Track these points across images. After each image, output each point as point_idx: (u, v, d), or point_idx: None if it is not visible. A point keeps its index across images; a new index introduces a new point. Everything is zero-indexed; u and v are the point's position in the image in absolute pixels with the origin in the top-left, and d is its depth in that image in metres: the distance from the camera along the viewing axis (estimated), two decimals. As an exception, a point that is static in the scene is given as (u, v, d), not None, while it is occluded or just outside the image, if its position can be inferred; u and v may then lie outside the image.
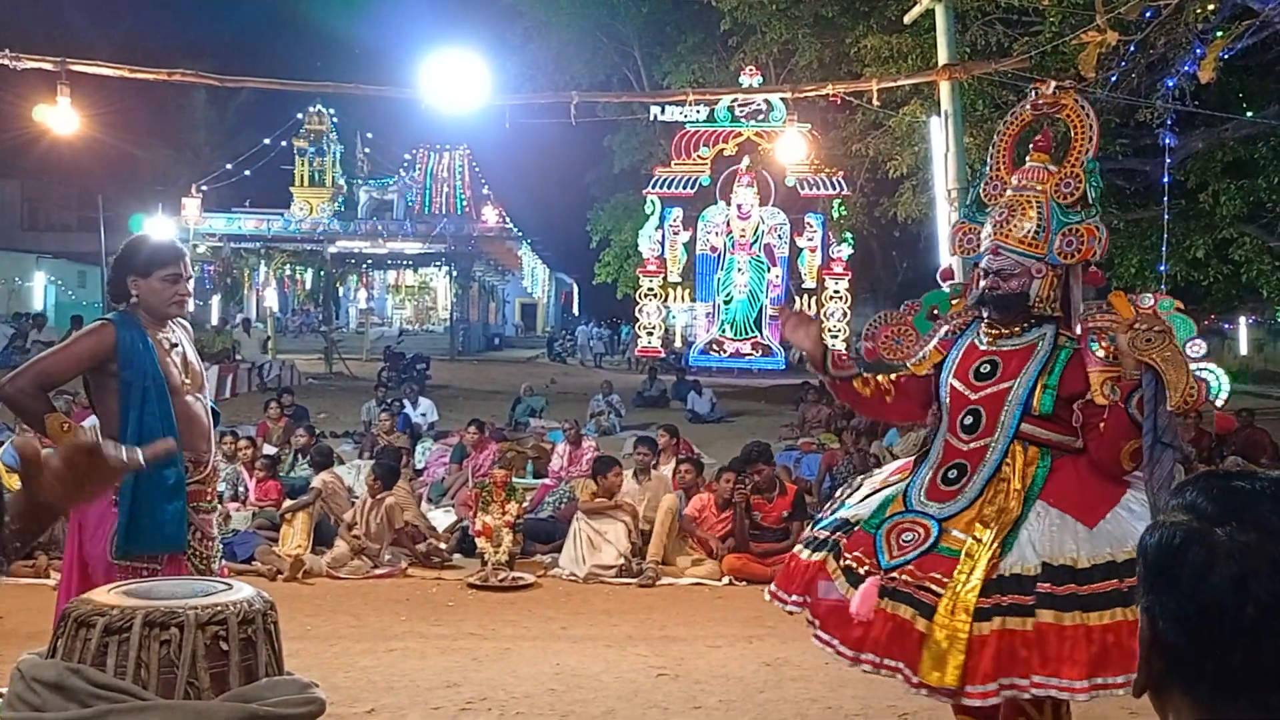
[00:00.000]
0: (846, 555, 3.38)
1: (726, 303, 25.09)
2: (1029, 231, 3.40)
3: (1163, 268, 13.49)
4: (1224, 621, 1.00)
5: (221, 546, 4.23)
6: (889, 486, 3.60)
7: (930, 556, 3.23)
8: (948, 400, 3.51)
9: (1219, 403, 3.32)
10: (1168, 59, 11.10)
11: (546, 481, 10.34)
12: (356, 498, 8.63)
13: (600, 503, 8.22)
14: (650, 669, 5.57)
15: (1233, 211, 15.28)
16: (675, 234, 25.04)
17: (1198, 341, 3.20)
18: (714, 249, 25.08)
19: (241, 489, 9.35)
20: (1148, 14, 10.08)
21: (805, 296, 24.78)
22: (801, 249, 24.69)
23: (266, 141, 30.44)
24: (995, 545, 3.16)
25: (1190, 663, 1.03)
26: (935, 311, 3.78)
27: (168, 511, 3.66)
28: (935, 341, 3.67)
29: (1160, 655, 1.05)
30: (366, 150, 35.60)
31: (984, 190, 3.70)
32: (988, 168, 3.71)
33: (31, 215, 35.62)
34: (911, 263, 24.66)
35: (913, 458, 3.79)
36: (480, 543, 7.72)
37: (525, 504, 8.31)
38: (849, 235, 23.67)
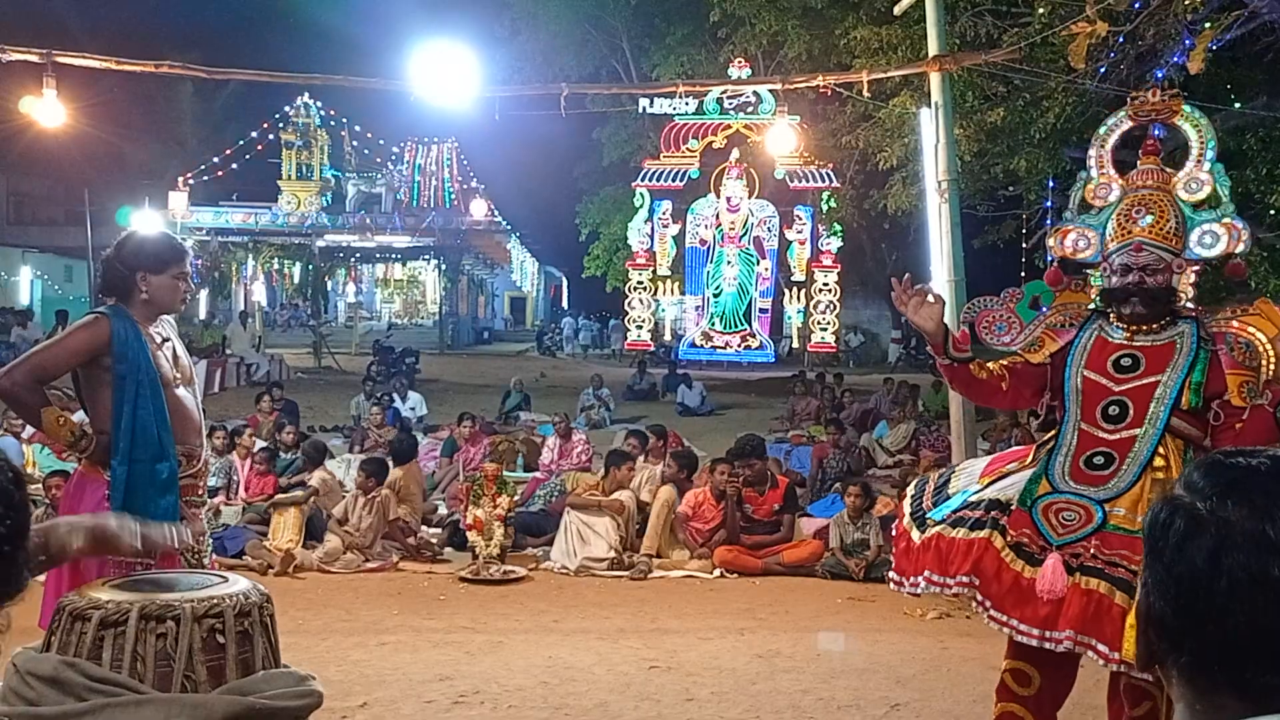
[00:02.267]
0: (1013, 532, 3.38)
1: (716, 296, 25.08)
2: (1171, 228, 3.51)
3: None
4: (1200, 595, 1.01)
5: (211, 541, 4.22)
6: (1009, 473, 3.61)
7: (1106, 534, 3.26)
8: (1079, 391, 3.54)
9: None
10: (1157, 50, 11.09)
11: (537, 475, 10.33)
12: (348, 492, 8.61)
13: (590, 497, 8.23)
14: (643, 661, 5.58)
15: (1221, 203, 15.30)
16: (664, 227, 24.99)
17: None
18: (703, 242, 25.06)
19: (235, 480, 9.32)
20: (1137, 4, 10.09)
21: (794, 289, 24.79)
22: (791, 241, 24.66)
23: (254, 135, 30.31)
24: None
25: (1175, 635, 1.04)
26: (1039, 300, 3.85)
27: (160, 505, 3.64)
28: (1042, 329, 3.71)
29: (1155, 629, 1.06)
30: (354, 144, 35.44)
31: (1089, 192, 3.78)
32: (1090, 172, 3.79)
33: (17, 209, 35.40)
34: (901, 255, 24.66)
35: (1001, 451, 3.89)
36: (471, 536, 7.71)
37: (516, 497, 8.31)
38: (838, 227, 23.65)
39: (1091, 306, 3.71)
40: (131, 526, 1.59)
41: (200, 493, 3.96)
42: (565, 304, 51.88)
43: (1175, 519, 1.05)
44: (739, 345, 25.01)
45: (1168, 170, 3.67)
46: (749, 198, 24.38)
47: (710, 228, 24.88)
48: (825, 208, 23.56)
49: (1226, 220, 3.57)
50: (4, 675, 1.81)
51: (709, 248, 25.01)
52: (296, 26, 37.10)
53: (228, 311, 31.65)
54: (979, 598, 3.40)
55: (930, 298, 3.73)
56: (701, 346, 25.06)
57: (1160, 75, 10.27)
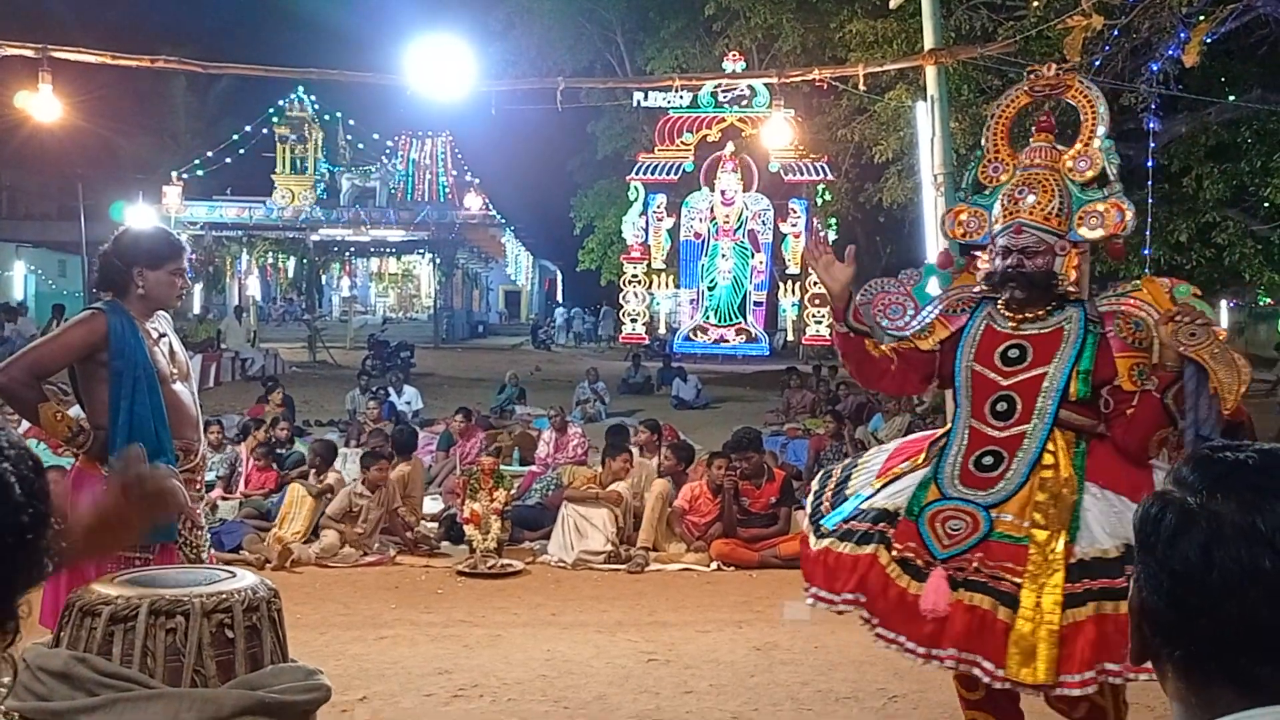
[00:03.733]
0: (898, 546, 3.28)
1: (710, 289, 25.10)
2: (1053, 209, 3.37)
3: (1146, 251, 13.55)
4: (1193, 587, 1.02)
5: (210, 536, 4.22)
6: (901, 475, 3.50)
7: (991, 544, 3.16)
8: (969, 385, 3.44)
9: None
10: (1152, 43, 11.12)
11: (533, 468, 10.33)
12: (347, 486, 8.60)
13: (587, 490, 8.23)
14: (641, 654, 5.59)
15: (1216, 195, 15.35)
16: (659, 220, 24.99)
17: (1216, 327, 3.17)
18: (698, 235, 25.07)
19: (239, 472, 9.32)
20: (1131, -1, 10.13)
21: (789, 282, 24.80)
22: (785, 234, 24.69)
23: (248, 129, 30.21)
24: (1062, 531, 3.10)
25: (1169, 629, 1.05)
26: (938, 283, 3.82)
27: (158, 501, 3.65)
28: (936, 314, 3.62)
29: (1148, 623, 1.07)
30: (348, 138, 35.32)
31: (982, 172, 3.66)
32: (984, 150, 3.68)
33: (10, 204, 35.30)
34: (896, 248, 24.66)
35: (900, 440, 3.73)
36: (469, 530, 7.71)
37: (513, 491, 8.32)
38: (834, 221, 23.66)
39: (976, 289, 3.57)
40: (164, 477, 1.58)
41: (198, 487, 3.97)
42: (560, 298, 51.87)
43: (1166, 514, 1.06)
44: (734, 338, 25.04)
45: (1059, 148, 3.54)
46: (743, 191, 24.39)
47: (705, 221, 24.90)
48: (820, 201, 23.57)
49: (1113, 200, 3.43)
50: (16, 670, 1.82)
51: (703, 241, 25.02)
52: (290, 20, 37.03)
53: (222, 306, 31.54)
54: (866, 615, 3.33)
55: (843, 259, 3.63)
56: (696, 340, 25.09)
57: (1155, 68, 10.30)
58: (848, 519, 3.49)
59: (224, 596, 1.93)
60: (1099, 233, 3.41)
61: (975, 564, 3.13)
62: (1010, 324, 3.43)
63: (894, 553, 3.29)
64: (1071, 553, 3.06)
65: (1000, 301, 3.46)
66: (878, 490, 3.49)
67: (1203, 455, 1.10)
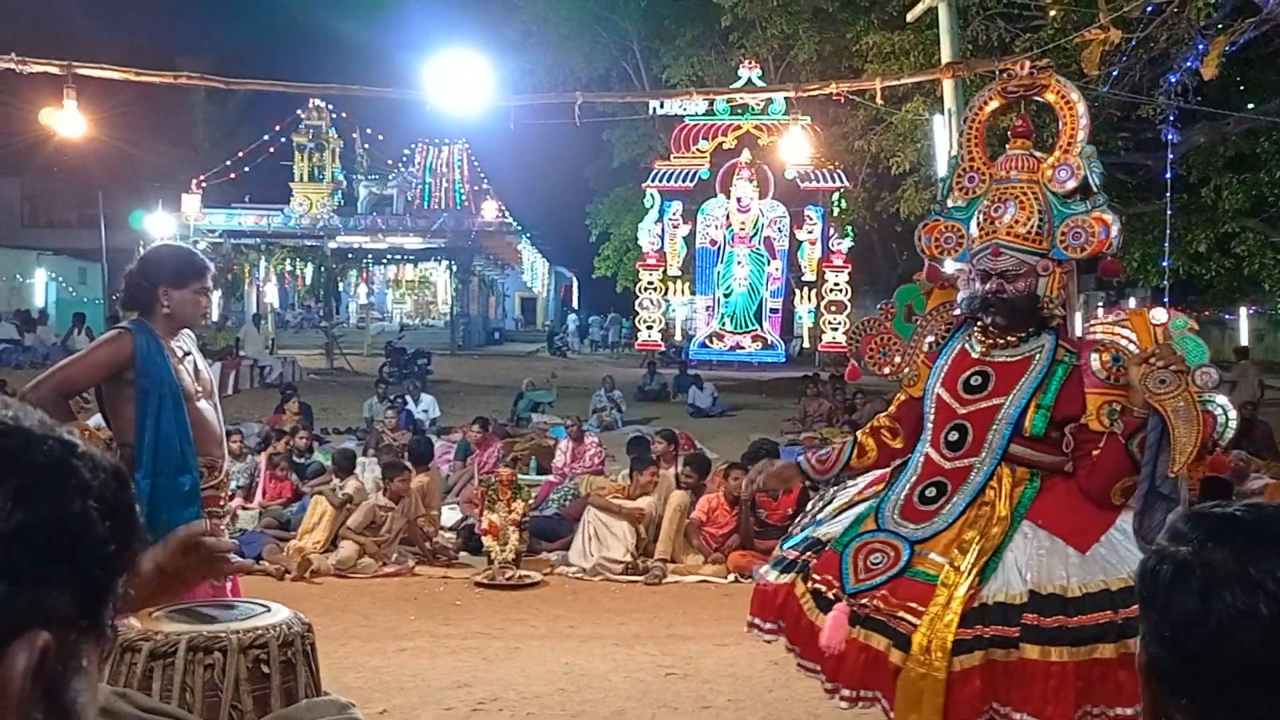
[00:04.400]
0: (815, 577, 3.16)
1: (726, 296, 25.12)
2: (1033, 227, 3.11)
3: (1165, 262, 13.51)
4: (1193, 634, 1.06)
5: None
6: (864, 500, 3.38)
7: (902, 581, 2.98)
8: (933, 411, 3.26)
9: (1224, 441, 2.98)
10: (1170, 54, 11.11)
11: (550, 478, 10.35)
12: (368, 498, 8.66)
13: (613, 500, 8.23)
14: (659, 668, 5.61)
15: (1235, 206, 15.30)
16: (675, 227, 25.05)
17: (1209, 369, 2.93)
18: (713, 242, 25.10)
19: (257, 482, 9.38)
20: (1149, 9, 10.09)
21: (805, 289, 24.79)
22: (801, 242, 24.70)
23: (266, 138, 30.44)
24: (975, 572, 2.91)
25: (1174, 680, 1.08)
26: (912, 310, 3.53)
27: (184, 518, 3.69)
28: (920, 355, 3.44)
29: (1155, 678, 1.11)
30: (366, 146, 35.55)
31: (957, 183, 3.37)
32: (959, 159, 3.40)
33: (33, 212, 35.58)
34: (911, 255, 24.58)
35: (890, 468, 3.53)
36: (487, 541, 7.74)
37: (531, 501, 8.35)
38: (850, 230, 23.65)
39: (957, 310, 3.34)
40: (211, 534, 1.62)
41: (222, 504, 4.02)
42: (575, 304, 51.97)
43: (1162, 566, 1.10)
44: (750, 345, 25.03)
45: (1037, 155, 3.25)
46: (759, 198, 24.41)
47: (720, 228, 24.93)
48: (836, 209, 23.56)
49: (1096, 213, 3.14)
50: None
51: (719, 248, 25.05)
52: (307, 32, 37.25)
53: (240, 313, 31.76)
54: (788, 644, 3.26)
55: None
56: (712, 347, 25.10)
57: (1173, 80, 10.27)
58: (790, 546, 3.44)
59: (260, 632, 1.97)
60: (1085, 249, 3.13)
61: (877, 602, 2.97)
62: (980, 349, 3.23)
63: (810, 584, 3.18)
64: (977, 596, 2.88)
65: (979, 325, 3.25)
66: (834, 517, 3.40)
67: (1196, 512, 1.14)
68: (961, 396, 3.19)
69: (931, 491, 3.16)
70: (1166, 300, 13.00)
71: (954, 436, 3.18)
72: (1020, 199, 3.15)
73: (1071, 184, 3.17)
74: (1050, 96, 3.28)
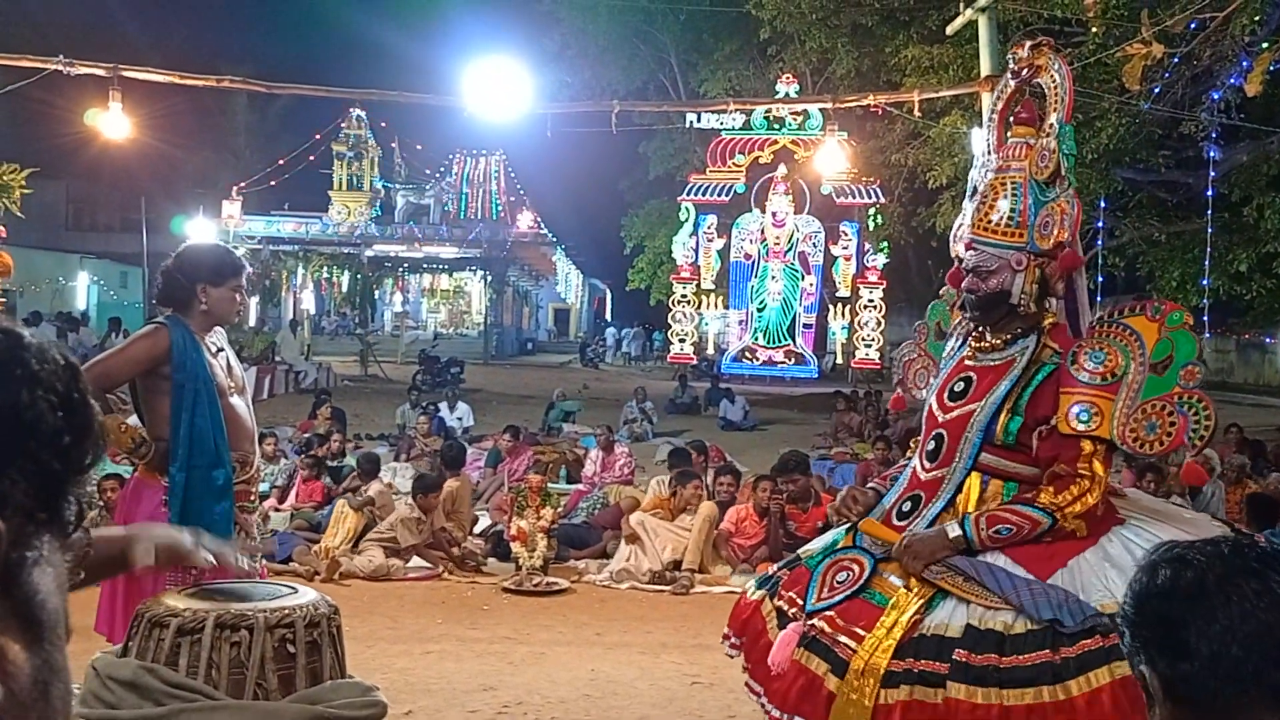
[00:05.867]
0: (782, 594, 3.06)
1: (760, 310, 25.07)
2: (1002, 217, 2.95)
3: (1205, 281, 13.35)
4: (1185, 656, 1.09)
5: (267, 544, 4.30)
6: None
7: (855, 603, 2.85)
8: (924, 421, 3.14)
9: (1196, 446, 2.83)
10: (1213, 71, 11.00)
11: (579, 487, 10.37)
12: (398, 498, 8.71)
13: (651, 519, 8.17)
14: (685, 677, 5.58)
15: (1277, 225, 15.09)
16: (709, 241, 25.04)
17: (1194, 367, 2.81)
18: (748, 256, 25.07)
19: (293, 483, 9.45)
20: (1193, 25, 10.00)
21: (839, 305, 24.70)
22: (836, 257, 24.62)
23: (306, 146, 30.79)
24: (924, 599, 2.77)
25: (1168, 687, 1.12)
26: (941, 327, 3.43)
27: (216, 511, 3.74)
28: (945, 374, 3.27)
29: (1164, 694, 1.12)
30: (404, 155, 35.88)
31: (975, 177, 3.25)
32: (982, 152, 3.30)
33: (76, 216, 36.16)
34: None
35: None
36: (515, 547, 7.76)
37: (560, 509, 8.35)
38: (885, 245, 23.56)
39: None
40: (206, 546, 1.64)
41: (252, 499, 4.06)
42: (609, 316, 52.12)
43: (1159, 573, 1.15)
44: (783, 360, 24.97)
45: (1032, 143, 3.08)
46: (794, 213, 24.36)
47: (755, 242, 24.90)
48: (872, 224, 23.48)
49: (1061, 199, 2.94)
50: (85, 678, 1.88)
51: (754, 262, 25.03)
52: (349, 42, 37.67)
53: (277, 319, 32.09)
54: (744, 662, 3.14)
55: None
56: (745, 361, 25.05)
57: (1216, 96, 10.17)
58: (780, 566, 3.35)
59: (287, 612, 1.98)
60: (1050, 241, 2.94)
61: (823, 624, 2.84)
62: (969, 353, 3.10)
63: (776, 600, 3.08)
64: (919, 625, 2.73)
65: (974, 330, 3.12)
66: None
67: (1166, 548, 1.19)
68: (945, 404, 3.05)
69: (908, 505, 3.03)
70: (1206, 320, 12.82)
71: (931, 446, 3.04)
72: (994, 189, 3.02)
73: (1050, 168, 2.99)
74: (1041, 75, 3.13)
